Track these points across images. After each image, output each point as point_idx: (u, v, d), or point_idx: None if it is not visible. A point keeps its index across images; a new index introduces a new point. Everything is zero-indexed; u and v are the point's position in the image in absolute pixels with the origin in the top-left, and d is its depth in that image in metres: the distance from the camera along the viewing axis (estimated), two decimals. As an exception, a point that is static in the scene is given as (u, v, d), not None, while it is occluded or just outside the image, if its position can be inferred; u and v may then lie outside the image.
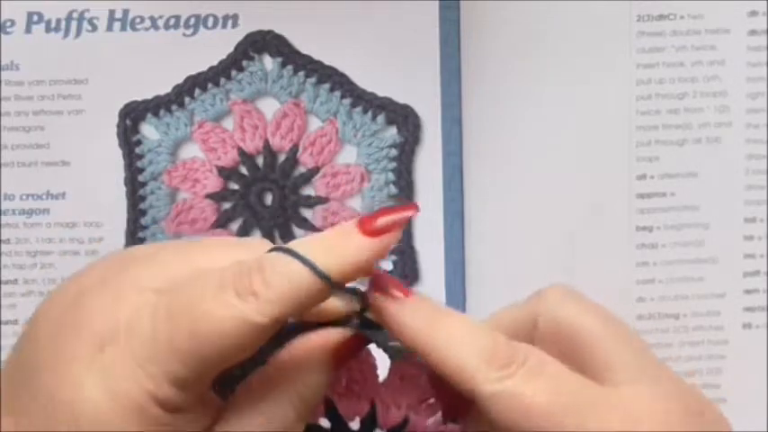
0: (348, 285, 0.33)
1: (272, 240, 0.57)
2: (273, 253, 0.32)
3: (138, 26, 0.56)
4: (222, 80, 0.56)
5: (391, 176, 0.57)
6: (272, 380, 0.34)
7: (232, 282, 0.31)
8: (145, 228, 0.57)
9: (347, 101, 0.56)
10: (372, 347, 0.36)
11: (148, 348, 0.31)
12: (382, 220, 0.33)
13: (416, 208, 0.34)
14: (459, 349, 0.33)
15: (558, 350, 0.34)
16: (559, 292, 0.36)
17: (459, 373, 0.33)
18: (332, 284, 0.31)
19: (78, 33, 0.56)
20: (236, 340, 0.31)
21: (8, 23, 0.56)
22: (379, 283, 0.34)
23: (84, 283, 0.34)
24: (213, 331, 0.31)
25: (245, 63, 0.56)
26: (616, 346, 0.35)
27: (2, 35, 0.56)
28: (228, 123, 0.57)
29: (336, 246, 0.32)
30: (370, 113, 0.56)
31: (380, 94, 0.56)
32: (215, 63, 0.56)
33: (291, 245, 0.32)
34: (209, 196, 0.57)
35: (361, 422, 0.37)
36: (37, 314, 0.34)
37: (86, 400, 0.31)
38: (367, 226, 0.33)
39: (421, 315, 0.33)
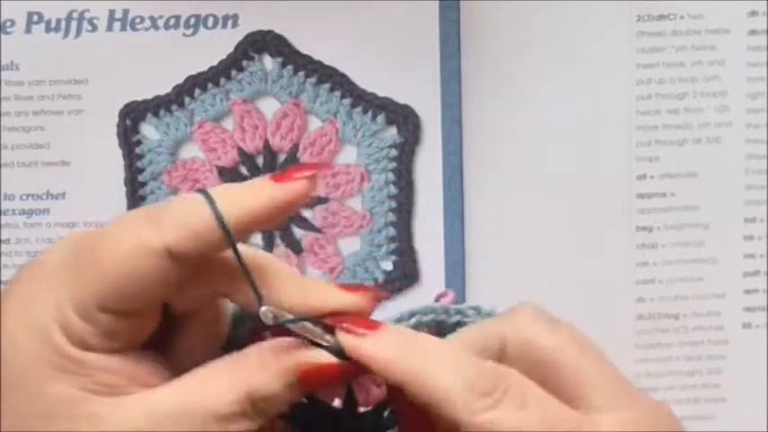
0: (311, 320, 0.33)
1: (272, 240, 0.57)
2: (192, 194, 0.33)
3: (138, 26, 0.56)
4: (222, 80, 0.56)
5: (391, 176, 0.57)
6: (230, 362, 0.34)
7: (141, 212, 0.33)
8: (145, 228, 0.57)
9: (347, 101, 0.56)
10: None
11: (58, 274, 0.32)
12: (291, 170, 0.34)
13: (328, 168, 0.35)
14: (439, 378, 0.32)
15: (529, 372, 0.34)
16: (530, 312, 0.36)
17: (442, 403, 0.32)
18: (227, 230, 0.32)
19: (78, 33, 0.56)
20: (132, 265, 0.32)
21: (8, 23, 0.56)
22: (343, 322, 0.33)
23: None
24: (110, 253, 0.32)
25: (245, 63, 0.56)
26: (589, 371, 0.34)
27: (2, 35, 0.56)
28: (228, 123, 0.57)
29: (246, 190, 0.33)
30: (370, 113, 0.56)
31: (380, 94, 0.56)
32: (215, 63, 0.56)
33: (211, 189, 0.33)
34: (209, 196, 0.57)
35: (344, 403, 0.37)
36: None
37: (5, 328, 0.32)
38: (279, 178, 0.34)
39: (394, 347, 0.33)
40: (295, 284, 0.34)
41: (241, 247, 0.33)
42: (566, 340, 0.35)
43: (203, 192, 0.33)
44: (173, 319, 0.35)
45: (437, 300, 0.39)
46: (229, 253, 0.33)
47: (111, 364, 0.33)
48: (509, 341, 0.35)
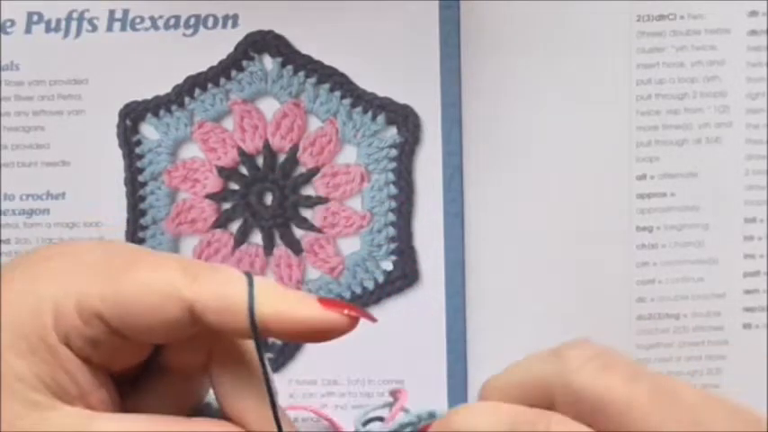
0: None
1: (272, 240, 0.57)
2: (238, 271, 0.33)
3: (138, 26, 0.56)
4: (222, 80, 0.56)
5: (391, 176, 0.57)
6: (175, 422, 0.34)
7: (185, 261, 0.33)
8: (145, 228, 0.57)
9: (347, 101, 0.56)
10: None
11: (87, 265, 0.33)
12: (340, 307, 0.33)
13: (373, 319, 0.34)
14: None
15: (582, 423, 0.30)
16: (583, 357, 0.33)
17: None
18: (253, 321, 0.32)
19: (78, 33, 0.56)
20: (152, 301, 0.32)
21: (8, 23, 0.56)
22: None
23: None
24: (139, 278, 0.32)
25: (245, 63, 0.56)
26: (661, 420, 0.30)
27: (2, 35, 0.56)
28: (228, 123, 0.57)
29: (289, 295, 0.33)
30: (370, 113, 0.56)
31: (380, 94, 0.56)
32: (215, 63, 0.56)
33: (259, 279, 0.33)
34: (209, 196, 0.57)
35: None
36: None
37: (12, 286, 0.33)
38: (326, 303, 0.33)
39: None
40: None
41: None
42: (628, 387, 0.31)
43: (249, 275, 0.33)
44: (155, 363, 0.35)
45: (393, 395, 0.39)
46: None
47: (77, 369, 0.33)
48: (557, 390, 0.32)
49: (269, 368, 0.33)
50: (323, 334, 0.33)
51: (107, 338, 0.33)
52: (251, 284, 0.32)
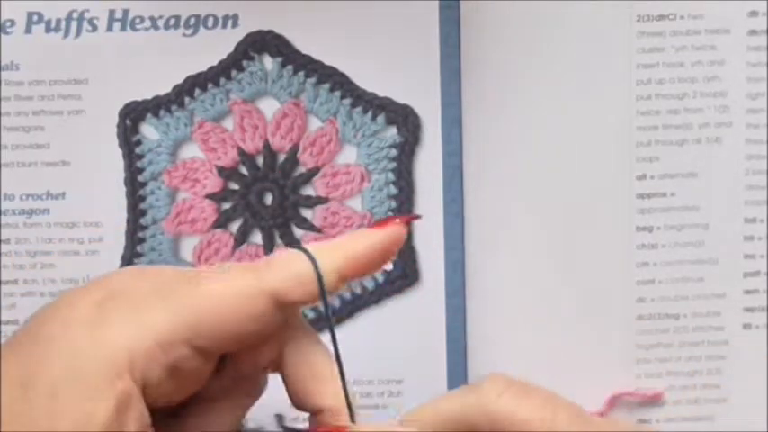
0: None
1: (272, 240, 0.57)
2: (288, 249, 0.35)
3: (138, 26, 0.56)
4: (222, 80, 0.56)
5: (391, 176, 0.57)
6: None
7: (239, 266, 0.34)
8: (145, 228, 0.57)
9: (347, 101, 0.56)
10: None
11: (150, 301, 0.33)
12: (389, 218, 0.36)
13: (417, 217, 0.37)
14: None
15: None
16: (499, 385, 0.37)
17: None
18: (322, 285, 0.34)
19: (78, 33, 0.56)
20: (234, 305, 0.33)
21: (8, 23, 0.56)
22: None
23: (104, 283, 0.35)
24: (212, 291, 0.33)
25: (245, 63, 0.56)
26: None
27: (2, 35, 0.56)
28: (228, 123, 0.57)
29: (344, 243, 0.35)
30: (370, 113, 0.56)
31: (380, 94, 0.56)
32: (215, 63, 0.56)
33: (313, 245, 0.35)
34: (209, 196, 0.57)
35: None
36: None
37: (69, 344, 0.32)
38: (374, 222, 0.36)
39: None
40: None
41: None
42: (540, 412, 0.37)
43: (301, 248, 0.35)
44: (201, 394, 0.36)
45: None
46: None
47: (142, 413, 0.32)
48: (477, 418, 0.37)
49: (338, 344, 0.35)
50: (390, 252, 0.35)
51: (189, 363, 0.33)
52: (305, 251, 0.34)
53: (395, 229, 0.35)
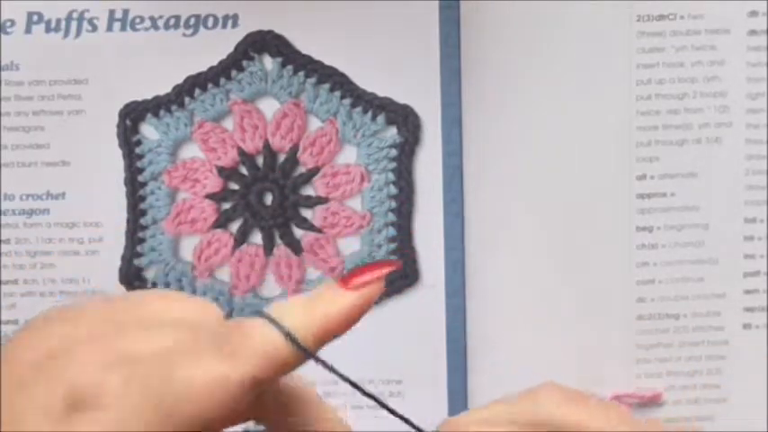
0: None
1: (272, 240, 0.57)
2: (254, 319, 0.32)
3: (138, 26, 0.56)
4: (222, 80, 0.56)
5: (391, 176, 0.57)
6: None
7: (209, 347, 0.31)
8: (145, 228, 0.57)
9: (347, 101, 0.56)
10: None
11: (125, 409, 0.30)
12: (364, 276, 0.33)
13: (398, 265, 0.34)
14: None
15: None
16: (556, 394, 0.38)
17: None
18: (307, 351, 0.32)
19: (78, 33, 0.56)
20: (213, 399, 0.31)
21: (8, 23, 0.56)
22: None
23: (71, 333, 0.33)
24: (189, 389, 0.31)
25: (245, 63, 0.56)
26: None
27: (2, 35, 0.56)
28: (228, 123, 0.57)
29: (318, 305, 0.33)
30: (370, 113, 0.56)
31: (380, 94, 0.56)
32: (215, 63, 0.56)
33: (273, 309, 0.32)
34: (209, 196, 0.57)
35: None
36: (11, 343, 0.33)
37: None
38: (349, 282, 0.33)
39: None
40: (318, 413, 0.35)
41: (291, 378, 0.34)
42: (595, 418, 0.37)
43: (262, 314, 0.32)
44: None
45: None
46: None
47: None
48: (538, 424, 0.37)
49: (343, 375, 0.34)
50: (365, 308, 0.33)
51: None
52: (275, 323, 0.32)
53: (371, 291, 0.33)
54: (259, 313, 0.32)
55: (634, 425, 0.38)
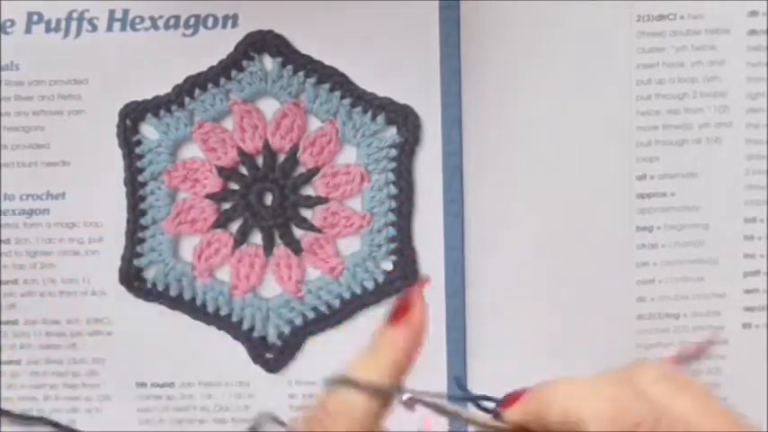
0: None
1: (272, 240, 0.57)
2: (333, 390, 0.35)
3: (138, 26, 0.56)
4: (222, 80, 0.56)
5: (391, 176, 0.57)
6: None
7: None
8: (145, 228, 0.57)
9: (347, 101, 0.56)
10: None
11: None
12: (404, 307, 0.37)
13: (427, 281, 0.39)
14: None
15: None
16: (652, 373, 0.36)
17: None
18: (391, 393, 0.35)
19: (78, 33, 0.56)
20: None
21: (8, 23, 0.56)
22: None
23: None
24: None
25: (245, 63, 0.56)
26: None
27: (2, 35, 0.56)
28: (228, 123, 0.57)
29: (386, 353, 0.36)
30: (370, 113, 0.56)
31: (380, 94, 0.56)
32: (215, 63, 0.56)
33: (348, 372, 0.35)
34: (209, 196, 0.57)
35: None
36: None
37: None
38: (396, 319, 0.36)
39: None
40: None
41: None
42: (693, 402, 0.37)
43: (341, 380, 0.35)
44: None
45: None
46: None
47: None
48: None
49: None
50: (421, 331, 0.36)
51: None
52: (356, 386, 0.35)
53: (422, 324, 0.36)
54: (337, 380, 0.35)
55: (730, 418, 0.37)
